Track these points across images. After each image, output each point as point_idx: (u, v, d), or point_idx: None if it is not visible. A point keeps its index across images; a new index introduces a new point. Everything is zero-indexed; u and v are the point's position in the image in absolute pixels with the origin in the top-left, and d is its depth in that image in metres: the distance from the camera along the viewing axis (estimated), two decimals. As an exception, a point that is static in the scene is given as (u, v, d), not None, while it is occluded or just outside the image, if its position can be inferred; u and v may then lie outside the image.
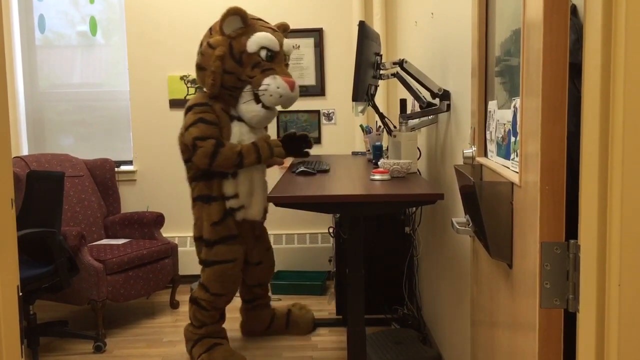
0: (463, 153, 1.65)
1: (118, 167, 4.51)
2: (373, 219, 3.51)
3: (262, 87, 2.79)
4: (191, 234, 3.98)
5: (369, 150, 3.37)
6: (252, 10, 4.40)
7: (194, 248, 4.24)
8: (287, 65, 2.99)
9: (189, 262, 4.40)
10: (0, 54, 0.95)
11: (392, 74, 2.86)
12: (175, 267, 3.91)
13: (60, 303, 3.53)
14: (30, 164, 3.75)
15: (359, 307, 2.40)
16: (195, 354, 2.96)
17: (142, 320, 3.77)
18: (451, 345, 2.70)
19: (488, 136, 1.50)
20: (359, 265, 2.40)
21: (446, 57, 2.67)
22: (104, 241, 3.88)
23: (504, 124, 1.31)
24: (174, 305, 3.97)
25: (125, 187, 4.53)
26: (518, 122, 1.17)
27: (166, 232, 4.50)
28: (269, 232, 4.47)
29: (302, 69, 4.49)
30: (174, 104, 4.48)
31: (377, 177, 2.45)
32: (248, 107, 2.83)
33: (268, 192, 2.80)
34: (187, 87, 4.47)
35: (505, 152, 1.31)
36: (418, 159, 2.79)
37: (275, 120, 4.50)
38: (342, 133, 4.55)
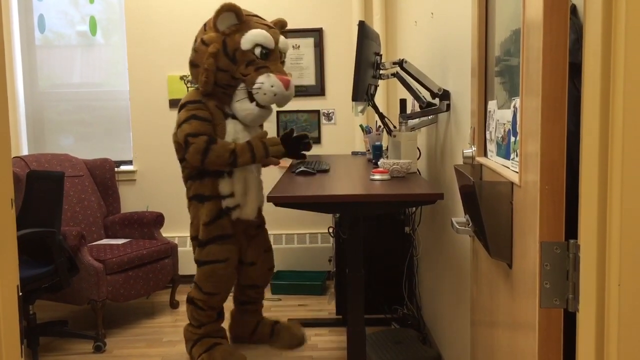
0: (463, 153, 1.65)
1: (118, 167, 4.51)
2: (373, 218, 3.51)
3: (255, 86, 2.76)
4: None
5: (368, 150, 3.37)
6: (251, 9, 4.39)
7: (193, 248, 4.23)
8: (282, 62, 2.94)
9: (189, 262, 4.39)
10: (0, 53, 0.95)
11: (392, 74, 2.86)
12: (175, 267, 3.91)
13: (60, 303, 3.53)
14: (30, 164, 3.75)
15: (359, 307, 2.40)
16: (195, 353, 2.95)
17: (142, 320, 3.77)
18: (451, 345, 2.70)
19: (488, 136, 1.50)
20: (358, 265, 2.40)
21: (446, 57, 2.67)
22: (104, 241, 3.88)
23: (504, 124, 1.31)
24: (174, 305, 3.97)
25: (125, 187, 4.53)
26: (518, 122, 1.17)
27: (166, 232, 4.49)
28: (269, 232, 4.45)
29: (302, 69, 4.49)
30: (174, 103, 4.48)
31: (377, 177, 2.45)
32: (242, 106, 2.81)
33: (267, 192, 2.75)
34: (187, 87, 4.47)
35: (505, 151, 1.31)
36: (418, 158, 2.79)
37: (275, 120, 4.50)
38: (342, 133, 4.55)
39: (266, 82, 2.75)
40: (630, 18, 0.79)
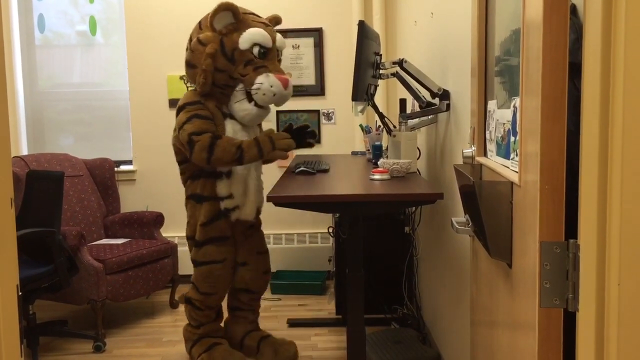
0: (463, 153, 1.65)
1: (117, 166, 4.51)
2: (373, 218, 3.51)
3: (254, 86, 2.72)
4: (191, 233, 3.96)
5: (368, 150, 3.37)
6: (251, 9, 4.39)
7: (193, 248, 4.22)
8: (279, 60, 2.90)
9: (189, 261, 4.38)
10: (0, 53, 0.95)
11: (391, 74, 2.86)
12: (174, 266, 3.91)
13: (60, 303, 3.53)
14: (30, 163, 3.75)
15: (359, 307, 2.40)
16: (195, 353, 2.95)
17: (141, 320, 3.77)
18: (451, 344, 2.70)
19: (488, 136, 1.50)
20: (358, 265, 2.40)
21: (446, 56, 2.66)
22: (104, 241, 3.88)
23: (504, 124, 1.31)
24: (174, 305, 3.97)
25: (124, 187, 4.53)
26: (518, 122, 1.17)
27: (166, 232, 4.49)
28: (269, 232, 4.47)
29: (302, 69, 4.49)
30: (174, 103, 4.47)
31: (377, 176, 2.45)
32: (240, 106, 2.78)
33: (267, 192, 2.72)
34: (187, 87, 4.47)
35: (504, 151, 1.31)
36: (418, 158, 2.79)
37: (275, 120, 4.50)
38: (342, 133, 4.55)
39: (265, 82, 2.72)
40: (630, 18, 0.79)
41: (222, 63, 2.73)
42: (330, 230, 3.64)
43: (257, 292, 3.10)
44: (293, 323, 3.61)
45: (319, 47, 4.47)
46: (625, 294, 0.83)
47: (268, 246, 4.40)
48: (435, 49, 2.91)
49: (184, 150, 2.81)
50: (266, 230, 4.45)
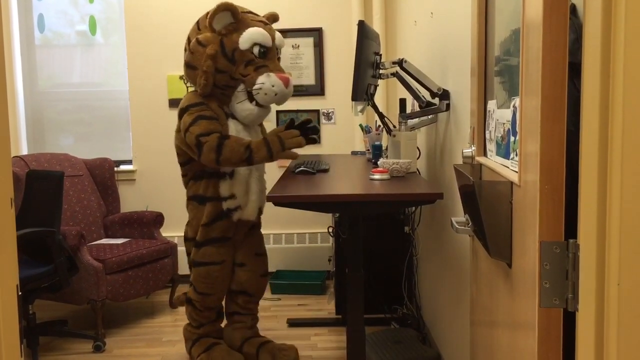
0: (462, 152, 1.65)
1: (117, 166, 4.51)
2: (372, 218, 3.51)
3: (256, 86, 2.71)
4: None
5: (368, 150, 3.37)
6: (250, 9, 4.39)
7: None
8: (278, 59, 2.87)
9: (189, 261, 4.39)
10: (0, 53, 0.95)
11: (391, 74, 2.86)
12: (174, 266, 3.91)
13: (60, 302, 3.53)
14: (30, 163, 3.75)
15: (359, 307, 2.40)
16: (195, 353, 2.94)
17: (141, 319, 3.77)
18: (450, 344, 2.70)
19: (487, 135, 1.50)
20: (358, 265, 2.40)
21: (446, 56, 2.67)
22: (104, 241, 3.88)
23: (504, 124, 1.31)
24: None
25: (124, 187, 4.53)
26: (517, 122, 1.17)
27: (165, 232, 4.49)
28: (269, 232, 4.47)
29: (302, 69, 4.49)
30: (174, 103, 4.48)
31: (377, 176, 2.45)
32: (242, 106, 2.76)
33: (267, 192, 2.70)
34: (187, 87, 4.47)
35: (504, 151, 1.31)
36: (417, 158, 2.79)
37: (274, 120, 4.50)
38: (342, 133, 4.55)
39: (267, 82, 2.70)
40: (630, 18, 0.79)
41: (222, 64, 2.71)
42: (330, 230, 3.64)
43: (254, 295, 3.05)
44: (293, 323, 3.61)
45: (318, 47, 4.47)
46: (624, 294, 0.83)
47: (268, 246, 4.42)
48: (435, 49, 2.91)
49: (189, 152, 2.77)
50: (266, 230, 4.45)
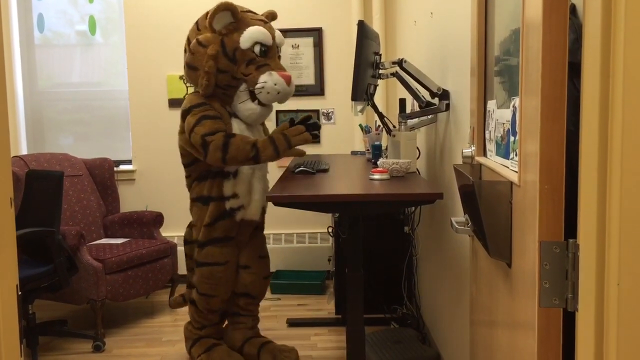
0: (462, 152, 1.65)
1: (117, 166, 4.51)
2: (372, 218, 3.51)
3: (258, 85, 2.70)
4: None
5: (368, 150, 3.37)
6: (250, 8, 4.39)
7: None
8: (279, 57, 2.87)
9: (188, 261, 4.39)
10: (0, 53, 0.95)
11: (391, 74, 2.86)
12: (174, 266, 3.91)
13: (60, 302, 3.53)
14: (30, 163, 3.75)
15: (358, 307, 2.40)
16: (195, 353, 2.94)
17: (141, 319, 3.77)
18: (450, 344, 2.70)
19: (487, 135, 1.50)
20: (358, 265, 2.40)
21: (445, 56, 2.67)
22: (103, 241, 3.87)
23: (503, 124, 1.31)
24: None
25: (124, 187, 4.53)
26: (517, 122, 1.17)
27: (165, 232, 4.49)
28: (269, 232, 4.47)
29: (302, 69, 4.49)
30: (173, 103, 4.48)
31: (376, 176, 2.45)
32: (244, 106, 2.76)
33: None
34: (187, 87, 4.47)
35: (504, 151, 1.31)
36: (417, 158, 2.79)
37: (274, 119, 4.50)
38: (342, 132, 4.55)
39: (269, 80, 2.70)
40: (630, 17, 0.79)
41: (224, 64, 2.70)
42: (330, 230, 3.65)
43: (256, 297, 3.05)
44: (293, 323, 3.61)
45: (318, 46, 4.47)
46: (624, 294, 0.83)
47: (268, 246, 4.41)
48: (435, 49, 2.91)
49: (195, 153, 2.75)
50: (266, 230, 4.45)
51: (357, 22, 2.61)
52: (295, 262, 4.51)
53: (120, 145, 4.63)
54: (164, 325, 3.65)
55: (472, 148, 1.61)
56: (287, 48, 4.46)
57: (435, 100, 2.69)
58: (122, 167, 4.53)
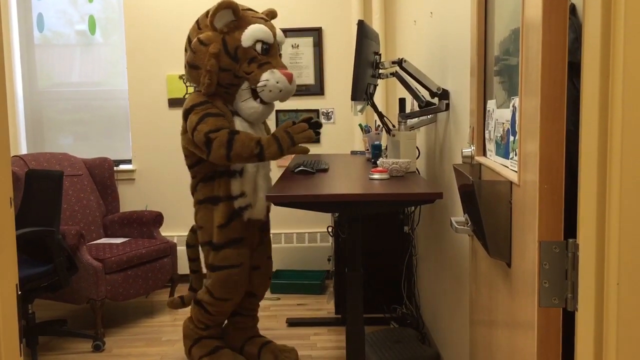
0: (462, 152, 1.65)
1: (117, 166, 4.51)
2: (372, 218, 3.51)
3: (261, 83, 2.68)
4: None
5: (368, 150, 3.37)
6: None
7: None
8: (280, 55, 2.86)
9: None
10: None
11: (391, 73, 2.86)
12: (174, 266, 3.91)
13: (59, 302, 3.53)
14: (29, 163, 3.75)
15: (358, 306, 2.40)
16: (195, 354, 2.90)
17: (141, 319, 3.77)
18: (450, 344, 2.70)
19: (487, 135, 1.50)
20: (357, 265, 2.40)
21: (445, 56, 2.67)
22: (103, 240, 3.87)
23: (503, 123, 1.31)
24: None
25: (124, 186, 4.53)
26: (517, 121, 1.17)
27: (165, 231, 4.49)
28: (268, 231, 4.47)
29: (301, 68, 4.49)
30: (173, 103, 4.48)
31: (376, 176, 2.45)
32: (247, 104, 2.74)
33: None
34: (186, 86, 4.47)
35: (504, 151, 1.31)
36: (417, 158, 2.79)
37: (274, 119, 4.50)
38: (341, 132, 4.55)
39: (271, 78, 2.68)
40: (629, 17, 0.79)
41: (226, 62, 2.68)
42: (330, 229, 3.65)
43: (259, 296, 3.07)
44: (292, 322, 3.61)
45: (318, 46, 4.47)
46: (624, 294, 0.83)
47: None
48: (435, 49, 2.91)
49: (197, 152, 2.73)
50: (265, 229, 4.45)
51: (357, 22, 2.61)
52: (295, 261, 4.51)
53: (120, 145, 4.63)
54: (164, 325, 3.65)
55: (472, 148, 1.61)
56: (287, 48, 4.46)
57: (435, 100, 2.69)
58: (122, 167, 4.52)
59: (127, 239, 3.89)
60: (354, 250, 2.41)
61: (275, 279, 4.28)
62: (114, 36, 4.56)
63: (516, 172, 1.17)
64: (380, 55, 2.91)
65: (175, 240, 4.44)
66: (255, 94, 2.74)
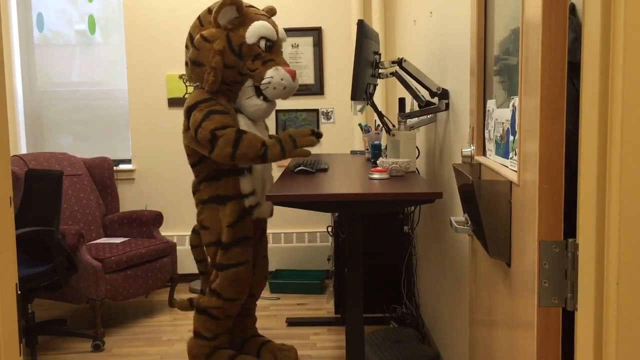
0: (462, 152, 1.65)
1: (117, 165, 4.51)
2: (372, 217, 3.51)
3: (265, 80, 2.66)
4: (189, 232, 3.82)
5: (367, 149, 3.37)
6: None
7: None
8: (281, 52, 2.85)
9: (188, 260, 4.39)
10: (-1, 52, 0.95)
11: (391, 73, 2.86)
12: (173, 265, 3.91)
13: (59, 302, 3.53)
14: (29, 162, 3.75)
15: (358, 306, 2.40)
16: None
17: (140, 319, 3.77)
18: (450, 344, 2.71)
19: (487, 135, 1.50)
20: (357, 264, 2.40)
21: (445, 56, 2.67)
22: (103, 240, 3.87)
23: (503, 123, 1.31)
24: (173, 304, 3.97)
25: (123, 186, 4.53)
26: (517, 121, 1.17)
27: (165, 231, 4.49)
28: (268, 231, 4.46)
29: (301, 68, 4.49)
30: (173, 102, 4.47)
31: (376, 176, 2.45)
32: (250, 102, 2.72)
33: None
34: (186, 86, 4.47)
35: (504, 151, 1.31)
36: (417, 158, 2.79)
37: (274, 118, 4.50)
38: (341, 132, 4.55)
39: (275, 75, 2.66)
40: (629, 17, 0.79)
41: (230, 59, 2.65)
42: (330, 229, 3.64)
43: (257, 296, 3.06)
44: (292, 322, 3.61)
45: (318, 46, 4.47)
46: (623, 293, 0.83)
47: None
48: (435, 48, 2.91)
49: (200, 150, 2.69)
50: (265, 229, 4.45)
51: (356, 22, 2.61)
52: (294, 261, 4.51)
53: (120, 144, 4.63)
54: (164, 325, 3.65)
55: (472, 147, 1.61)
56: (286, 47, 4.46)
57: (435, 100, 2.69)
58: (122, 167, 4.52)
59: (126, 238, 3.89)
60: (353, 250, 2.41)
61: (275, 279, 4.28)
62: (114, 36, 4.56)
63: (516, 171, 1.17)
64: (380, 55, 2.91)
65: (175, 240, 4.45)
66: (258, 92, 2.73)
